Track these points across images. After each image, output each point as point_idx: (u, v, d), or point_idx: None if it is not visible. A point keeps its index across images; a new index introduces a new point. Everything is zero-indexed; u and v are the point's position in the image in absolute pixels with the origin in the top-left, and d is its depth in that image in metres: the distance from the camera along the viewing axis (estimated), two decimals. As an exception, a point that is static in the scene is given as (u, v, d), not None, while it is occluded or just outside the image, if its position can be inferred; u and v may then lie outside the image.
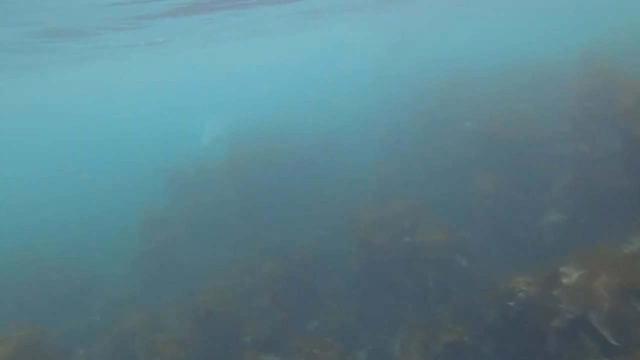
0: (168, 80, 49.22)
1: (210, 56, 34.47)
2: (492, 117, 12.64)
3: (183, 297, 10.86)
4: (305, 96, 27.18)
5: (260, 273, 10.81)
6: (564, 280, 6.20)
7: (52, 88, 32.24)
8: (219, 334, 8.72)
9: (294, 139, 16.51)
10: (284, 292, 9.93)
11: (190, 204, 14.36)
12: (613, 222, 8.87)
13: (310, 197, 14.41)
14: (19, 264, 12.68)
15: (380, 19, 31.83)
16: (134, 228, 13.33)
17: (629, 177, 9.53)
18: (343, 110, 21.04)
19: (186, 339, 8.39)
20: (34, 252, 13.01)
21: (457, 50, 26.46)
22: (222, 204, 14.22)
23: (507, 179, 11.40)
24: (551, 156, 11.59)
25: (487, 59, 20.25)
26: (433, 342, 8.15)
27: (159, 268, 12.58)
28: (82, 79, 29.98)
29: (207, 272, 11.74)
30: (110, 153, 29.15)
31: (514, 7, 35.66)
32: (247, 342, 8.71)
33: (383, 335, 10.04)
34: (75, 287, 12.05)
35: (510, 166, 11.71)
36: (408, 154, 15.08)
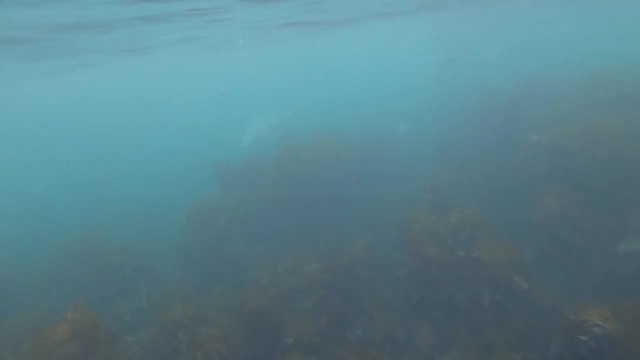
0: (223, 75, 50.29)
1: (270, 52, 34.81)
2: (566, 130, 11.72)
3: (228, 292, 10.86)
4: (363, 96, 26.81)
5: (305, 274, 10.59)
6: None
7: (113, 77, 33.81)
8: (262, 333, 8.57)
9: (348, 139, 16.20)
10: (328, 296, 9.64)
11: (238, 198, 14.40)
12: None
13: (361, 199, 14.06)
14: (73, 246, 13.13)
15: (444, 19, 30.78)
16: (183, 218, 13.50)
17: None
18: (400, 112, 20.47)
19: (229, 335, 8.30)
20: (89, 234, 13.41)
21: (530, 55, 25.07)
22: (271, 200, 14.15)
23: (579, 198, 10.51)
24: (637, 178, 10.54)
25: (565, 66, 18.92)
26: (487, 367, 7.58)
27: (206, 260, 12.66)
28: (141, 69, 31.10)
29: (252, 269, 11.70)
30: (164, 142, 29.97)
31: (597, 8, 32.84)
32: (288, 345, 8.50)
33: (430, 352, 9.55)
34: (125, 273, 12.31)
35: (584, 185, 10.77)
36: (467, 164, 14.36)
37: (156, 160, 25.20)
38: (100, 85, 41.16)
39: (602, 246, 9.75)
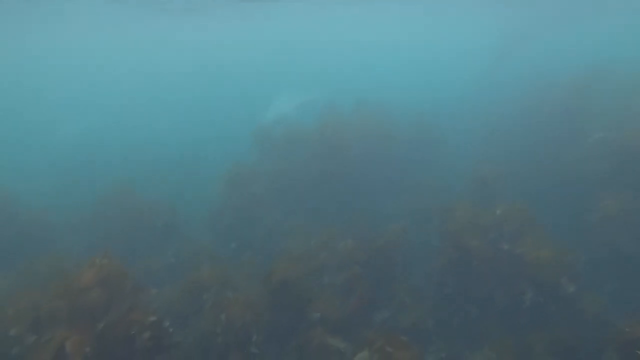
0: (270, 40, 49.28)
1: (321, 21, 33.70)
2: (637, 129, 10.70)
3: (257, 260, 10.65)
4: (413, 78, 25.83)
5: (338, 251, 10.23)
6: None
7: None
8: (288, 304, 8.29)
9: (393, 118, 15.51)
10: (361, 275, 9.24)
11: (276, 167, 14.11)
12: None
13: (402, 181, 13.49)
14: (109, 195, 13.18)
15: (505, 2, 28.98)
16: (219, 181, 13.32)
17: None
18: (450, 95, 19.52)
19: (254, 302, 8.05)
20: (126, 185, 13.42)
21: (595, 45, 23.34)
22: (309, 172, 13.77)
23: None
24: None
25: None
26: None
27: (237, 225, 12.49)
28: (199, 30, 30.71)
29: (284, 239, 11.44)
30: (209, 105, 29.79)
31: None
32: (315, 319, 8.19)
33: (460, 346, 9.07)
34: (157, 227, 12.28)
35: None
36: (518, 158, 13.49)
37: (200, 122, 25.04)
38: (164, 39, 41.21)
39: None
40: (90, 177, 17.11)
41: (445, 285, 9.64)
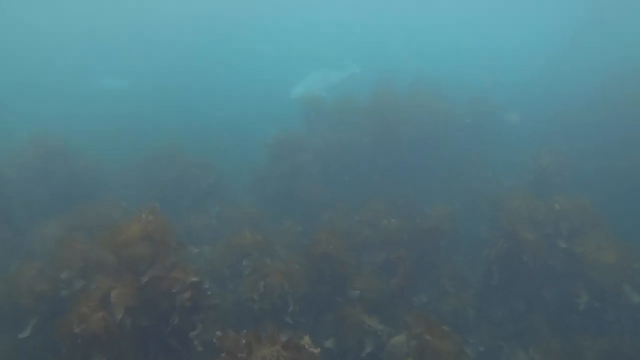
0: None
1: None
2: None
3: (297, 229, 10.51)
4: (475, 56, 24.44)
5: (381, 229, 9.93)
6: None
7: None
8: (328, 278, 8.11)
9: (451, 99, 14.72)
10: (404, 256, 8.89)
11: (323, 136, 13.79)
12: None
13: (453, 163, 12.88)
14: (157, 150, 13.28)
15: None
16: (265, 146, 13.17)
17: None
18: (515, 81, 18.34)
19: (294, 272, 7.93)
20: (174, 142, 13.47)
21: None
22: (357, 146, 13.39)
23: None
24: None
25: None
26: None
27: (280, 192, 12.37)
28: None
29: (325, 211, 11.23)
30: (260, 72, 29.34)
31: None
32: (353, 297, 7.99)
33: (501, 340, 8.68)
34: (200, 187, 12.30)
35: None
36: (584, 151, 12.53)
37: (251, 87, 24.77)
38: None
39: None
40: (141, 130, 17.38)
41: (492, 276, 9.17)
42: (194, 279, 6.39)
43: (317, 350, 5.03)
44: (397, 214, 10.38)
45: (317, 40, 34.86)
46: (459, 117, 14.21)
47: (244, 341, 4.99)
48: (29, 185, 10.26)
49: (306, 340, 5.10)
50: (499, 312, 9.14)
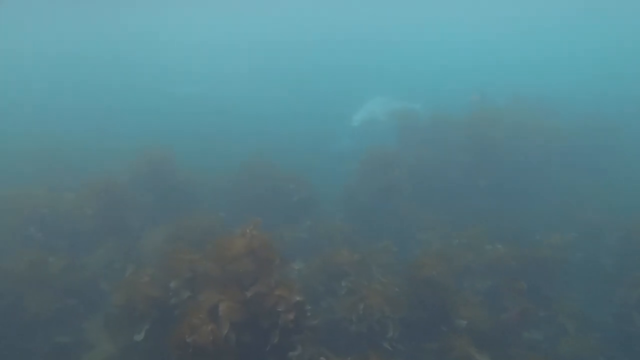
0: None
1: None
2: None
3: (392, 249, 10.06)
4: (580, 68, 22.53)
5: (486, 254, 9.19)
6: None
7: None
8: (431, 304, 7.57)
9: (555, 115, 13.52)
10: (515, 286, 8.11)
11: (416, 153, 13.25)
12: None
13: (565, 187, 11.69)
14: (250, 164, 13.51)
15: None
16: (355, 161, 12.94)
17: None
18: (630, 94, 16.49)
19: (394, 296, 7.50)
20: (265, 156, 13.63)
21: None
22: (452, 163, 12.70)
23: None
24: None
25: None
26: None
27: (371, 209, 12.03)
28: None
29: (421, 231, 10.69)
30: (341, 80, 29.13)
31: None
32: (459, 326, 7.38)
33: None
34: (292, 201, 12.28)
35: None
36: None
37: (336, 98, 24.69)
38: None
39: None
40: (226, 143, 17.90)
41: (631, 323, 7.98)
42: (298, 299, 6.24)
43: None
44: (502, 239, 9.56)
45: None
46: (569, 134, 12.93)
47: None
48: (139, 193, 10.92)
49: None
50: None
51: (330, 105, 22.08)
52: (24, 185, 10.65)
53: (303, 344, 6.36)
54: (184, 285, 6.87)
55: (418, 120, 14.35)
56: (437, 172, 12.87)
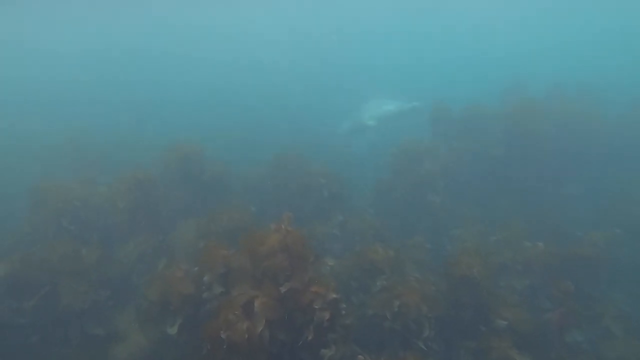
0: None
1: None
2: None
3: (425, 245, 9.82)
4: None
5: (524, 251, 8.85)
6: None
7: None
8: (469, 303, 7.33)
9: (601, 105, 12.85)
10: (557, 286, 7.76)
11: (451, 147, 12.88)
12: None
13: (609, 183, 11.14)
14: (282, 158, 13.41)
15: None
16: (388, 155, 12.67)
17: None
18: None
19: (431, 294, 7.29)
20: (297, 151, 13.50)
21: None
22: (488, 158, 12.27)
23: None
24: None
25: None
26: None
27: (403, 203, 11.76)
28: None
29: (454, 226, 10.39)
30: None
31: None
32: (499, 327, 7.12)
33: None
34: (323, 196, 12.05)
35: None
36: None
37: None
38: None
39: None
40: (259, 137, 17.88)
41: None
42: (334, 296, 6.11)
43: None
44: (540, 236, 9.19)
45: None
46: (614, 124, 12.29)
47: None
48: (171, 188, 10.98)
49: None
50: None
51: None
52: (58, 178, 10.85)
53: (336, 343, 6.25)
54: (217, 280, 6.85)
55: (451, 112, 13.90)
56: (472, 165, 12.47)
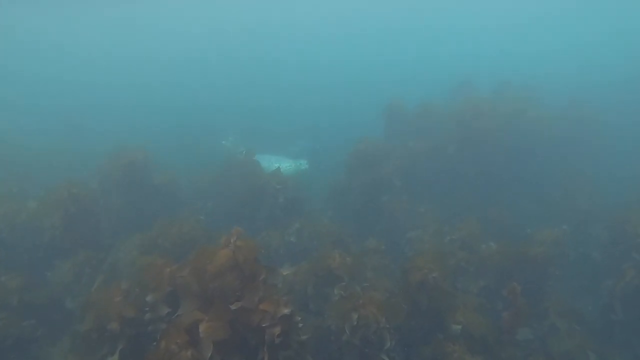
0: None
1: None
2: None
3: (381, 248, 9.69)
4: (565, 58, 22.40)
5: (477, 252, 8.91)
6: None
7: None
8: (427, 310, 7.23)
9: (543, 105, 13.27)
10: (511, 287, 7.82)
11: (405, 145, 12.84)
12: None
13: (553, 178, 11.48)
14: (234, 162, 12.94)
15: None
16: (342, 155, 12.50)
17: None
18: (618, 88, 16.40)
19: (390, 304, 7.11)
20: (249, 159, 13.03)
21: None
22: (442, 155, 12.33)
23: None
24: None
25: None
26: None
27: (360, 206, 11.60)
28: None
29: (411, 228, 10.32)
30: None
31: None
32: (454, 333, 7.07)
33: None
34: (278, 202, 11.64)
35: None
36: None
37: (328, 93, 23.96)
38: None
39: None
40: (210, 141, 17.27)
41: (613, 313, 7.85)
42: (285, 312, 5.79)
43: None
44: (493, 235, 9.30)
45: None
46: (556, 123, 12.71)
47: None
48: (111, 199, 10.24)
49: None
50: (618, 357, 7.80)
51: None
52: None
53: (291, 361, 5.94)
54: (163, 300, 6.38)
55: (406, 110, 13.89)
56: (427, 164, 12.49)
